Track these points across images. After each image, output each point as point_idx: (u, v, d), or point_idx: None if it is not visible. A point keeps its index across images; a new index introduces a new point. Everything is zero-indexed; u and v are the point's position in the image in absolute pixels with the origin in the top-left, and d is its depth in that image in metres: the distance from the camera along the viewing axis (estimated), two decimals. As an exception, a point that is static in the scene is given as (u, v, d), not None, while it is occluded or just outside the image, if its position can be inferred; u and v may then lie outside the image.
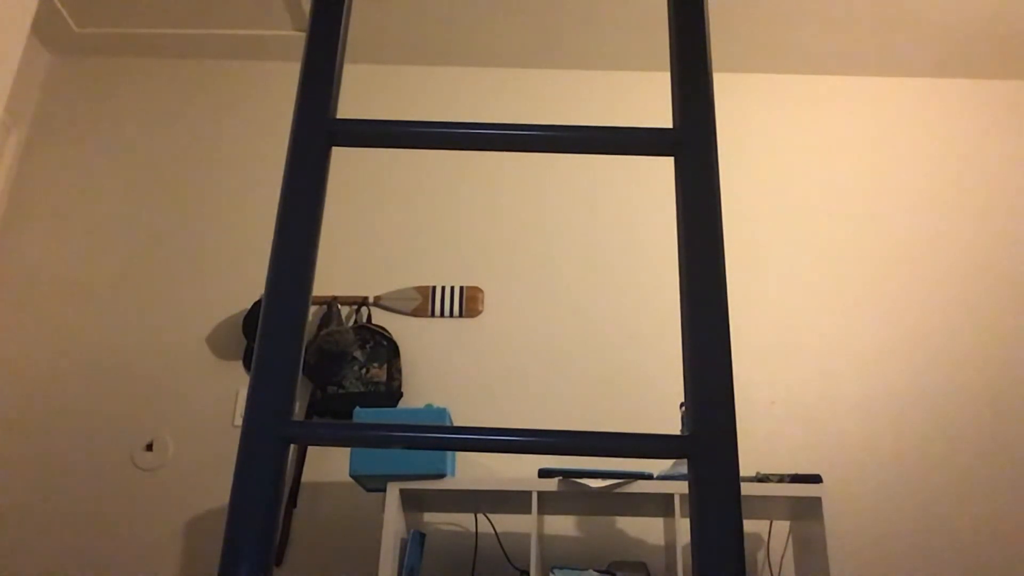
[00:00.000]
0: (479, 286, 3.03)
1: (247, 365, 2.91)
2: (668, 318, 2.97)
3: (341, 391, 2.81)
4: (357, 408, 2.40)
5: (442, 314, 2.98)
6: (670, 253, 3.08)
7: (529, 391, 2.89)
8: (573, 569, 2.32)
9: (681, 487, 2.28)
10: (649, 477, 2.31)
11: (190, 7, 3.17)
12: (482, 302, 3.01)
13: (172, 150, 3.28)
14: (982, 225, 3.13)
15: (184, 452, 2.83)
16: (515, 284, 3.04)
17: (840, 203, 3.16)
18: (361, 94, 3.36)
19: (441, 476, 2.31)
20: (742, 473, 2.59)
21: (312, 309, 2.91)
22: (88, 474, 2.80)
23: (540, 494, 2.30)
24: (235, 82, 3.40)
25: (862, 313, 2.99)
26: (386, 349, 2.86)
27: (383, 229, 3.13)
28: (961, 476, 2.77)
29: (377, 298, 3.00)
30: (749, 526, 2.66)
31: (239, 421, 2.85)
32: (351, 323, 2.95)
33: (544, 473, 2.33)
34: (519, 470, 2.74)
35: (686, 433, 0.62)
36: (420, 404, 2.85)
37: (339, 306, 2.97)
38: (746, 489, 2.28)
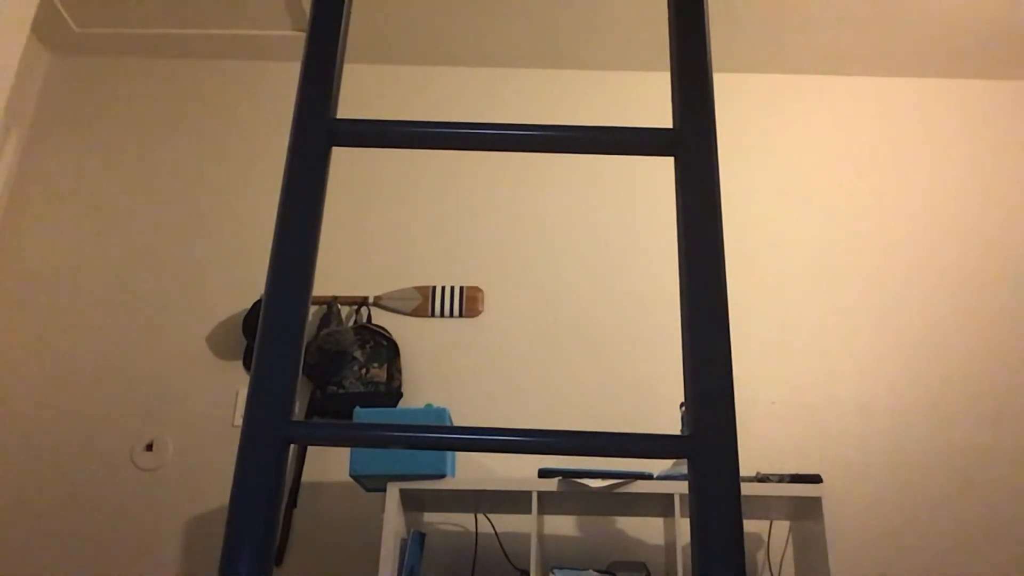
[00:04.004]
0: (479, 286, 3.03)
1: (247, 365, 2.91)
2: (668, 318, 2.97)
3: (341, 391, 2.81)
4: (357, 408, 2.39)
5: (442, 314, 2.98)
6: (670, 253, 3.08)
7: (529, 391, 2.89)
8: (573, 569, 2.32)
9: (681, 487, 2.28)
10: (649, 477, 2.31)
11: (190, 7, 3.17)
12: (482, 302, 3.01)
13: (172, 150, 3.28)
14: (983, 226, 3.13)
15: (184, 452, 2.83)
16: (515, 284, 3.04)
17: (840, 203, 3.16)
18: (361, 94, 3.36)
19: (441, 476, 2.31)
20: (742, 473, 2.59)
21: (312, 309, 2.91)
22: (88, 474, 2.80)
23: (540, 494, 2.30)
24: (235, 82, 3.40)
25: (862, 313, 2.99)
26: (386, 349, 2.86)
27: (383, 229, 3.13)
28: (961, 476, 2.76)
29: (377, 298, 3.00)
30: (749, 526, 2.66)
31: (239, 421, 2.85)
32: (351, 323, 2.95)
33: (544, 473, 2.33)
34: (519, 470, 2.74)
35: (686, 433, 0.62)
36: (420, 404, 2.85)
37: (339, 306, 2.97)
38: (746, 489, 2.28)
